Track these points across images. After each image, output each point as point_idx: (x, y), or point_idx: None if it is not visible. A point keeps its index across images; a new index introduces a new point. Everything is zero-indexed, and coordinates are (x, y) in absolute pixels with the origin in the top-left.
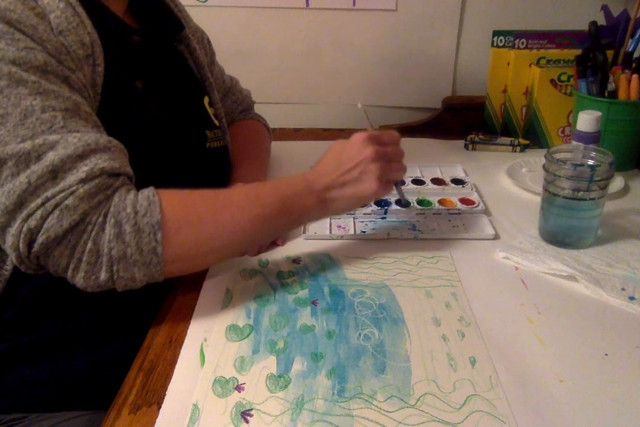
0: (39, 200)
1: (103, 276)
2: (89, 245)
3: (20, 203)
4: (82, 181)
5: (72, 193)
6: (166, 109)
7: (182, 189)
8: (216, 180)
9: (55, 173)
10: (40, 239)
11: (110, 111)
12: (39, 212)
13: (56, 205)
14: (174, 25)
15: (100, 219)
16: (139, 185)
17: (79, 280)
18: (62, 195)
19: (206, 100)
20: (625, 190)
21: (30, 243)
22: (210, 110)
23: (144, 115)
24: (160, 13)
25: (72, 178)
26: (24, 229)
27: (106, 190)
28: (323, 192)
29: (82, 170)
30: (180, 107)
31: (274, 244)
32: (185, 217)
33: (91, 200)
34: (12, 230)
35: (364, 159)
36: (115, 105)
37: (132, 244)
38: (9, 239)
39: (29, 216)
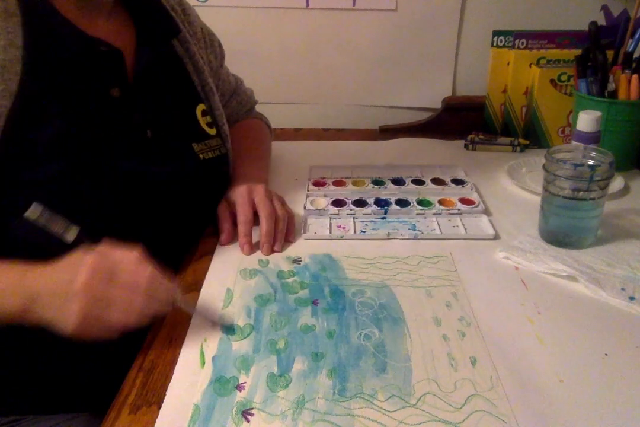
0: None
1: None
2: None
3: None
4: None
5: None
6: (153, 118)
7: None
8: (211, 191)
9: None
10: None
11: (77, 120)
12: None
13: None
14: (169, 29)
15: None
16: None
17: None
18: None
19: (200, 108)
20: (625, 190)
21: None
22: (202, 120)
23: (121, 124)
24: (154, 16)
25: None
26: None
27: None
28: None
29: None
30: (168, 116)
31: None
32: None
33: None
34: None
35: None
36: (82, 114)
37: None
38: None
39: None
